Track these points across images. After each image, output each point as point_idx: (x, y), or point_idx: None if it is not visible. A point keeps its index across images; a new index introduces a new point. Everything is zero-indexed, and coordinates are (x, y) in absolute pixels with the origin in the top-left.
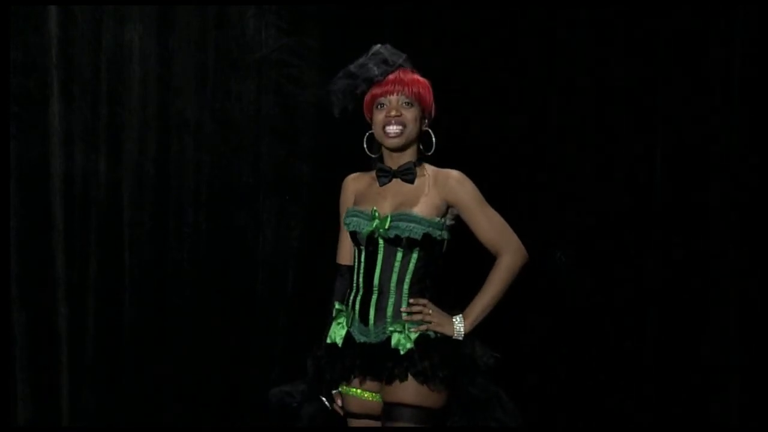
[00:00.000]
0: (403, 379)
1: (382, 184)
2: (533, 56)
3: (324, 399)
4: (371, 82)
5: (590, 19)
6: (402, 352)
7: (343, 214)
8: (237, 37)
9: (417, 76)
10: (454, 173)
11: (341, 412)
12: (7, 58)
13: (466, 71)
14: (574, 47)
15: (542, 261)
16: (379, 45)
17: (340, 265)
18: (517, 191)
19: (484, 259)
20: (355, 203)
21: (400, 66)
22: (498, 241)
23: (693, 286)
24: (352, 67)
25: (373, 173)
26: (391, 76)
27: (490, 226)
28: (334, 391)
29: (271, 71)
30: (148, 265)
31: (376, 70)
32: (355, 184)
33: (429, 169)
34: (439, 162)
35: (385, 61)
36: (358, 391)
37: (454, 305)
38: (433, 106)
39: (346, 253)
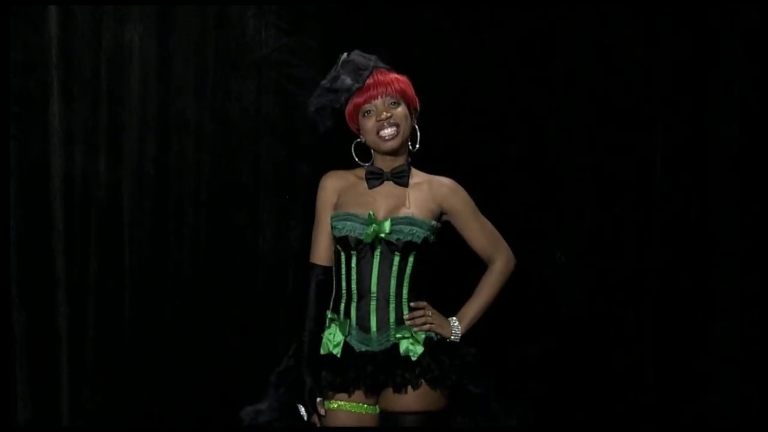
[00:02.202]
0: (416, 386)
1: (372, 187)
2: (533, 58)
3: (302, 408)
4: (349, 93)
5: (590, 18)
6: (414, 358)
7: (322, 213)
8: (237, 37)
9: (394, 74)
10: (448, 181)
11: (318, 423)
12: (7, 58)
13: (466, 72)
14: (573, 48)
15: (541, 261)
16: (345, 54)
17: (315, 264)
18: (517, 192)
19: (471, 262)
20: (341, 204)
21: (374, 68)
22: (491, 249)
23: (693, 286)
24: (325, 83)
25: (356, 172)
26: (369, 81)
27: (483, 234)
28: (318, 399)
29: (271, 71)
30: (148, 265)
31: (349, 80)
32: (336, 182)
33: (420, 175)
34: (439, 166)
35: (357, 69)
36: (353, 404)
37: (444, 308)
38: (417, 100)
39: (323, 252)
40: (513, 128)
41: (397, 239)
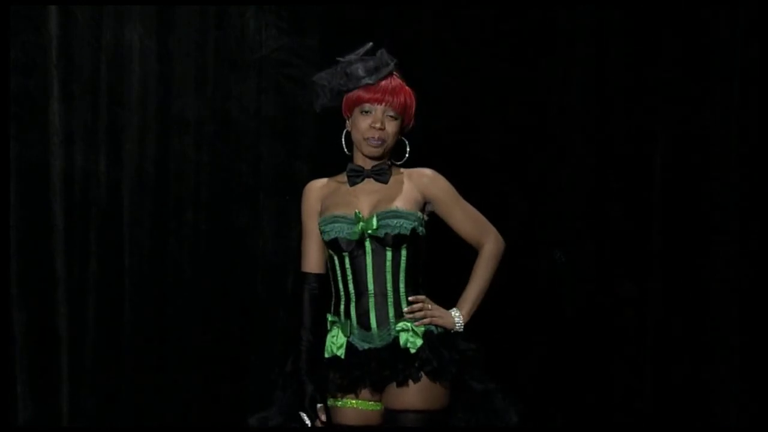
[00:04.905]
0: (417, 379)
1: (353, 184)
2: (533, 55)
3: (304, 416)
4: (359, 83)
5: (590, 15)
6: (412, 351)
7: (308, 221)
8: (237, 37)
9: (404, 86)
10: (427, 171)
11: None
12: (7, 58)
13: (466, 70)
14: (573, 45)
15: (541, 261)
16: (371, 44)
17: (307, 273)
18: (516, 191)
19: (465, 252)
20: (326, 209)
21: (391, 72)
22: (477, 233)
23: (693, 287)
24: (342, 65)
25: (339, 177)
26: (383, 83)
27: (467, 219)
28: (319, 405)
29: (271, 71)
30: (148, 265)
31: (365, 74)
32: (319, 190)
33: (400, 170)
34: (437, 165)
35: (377, 67)
36: (359, 402)
37: (444, 300)
38: (413, 117)
39: (314, 261)
40: (512, 128)
41: (386, 234)
